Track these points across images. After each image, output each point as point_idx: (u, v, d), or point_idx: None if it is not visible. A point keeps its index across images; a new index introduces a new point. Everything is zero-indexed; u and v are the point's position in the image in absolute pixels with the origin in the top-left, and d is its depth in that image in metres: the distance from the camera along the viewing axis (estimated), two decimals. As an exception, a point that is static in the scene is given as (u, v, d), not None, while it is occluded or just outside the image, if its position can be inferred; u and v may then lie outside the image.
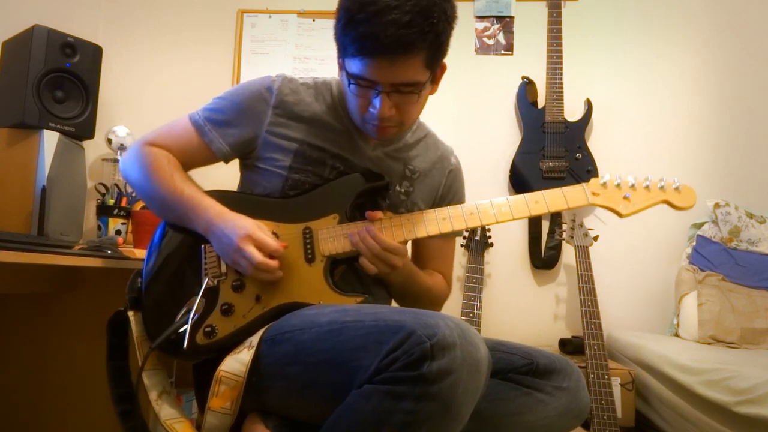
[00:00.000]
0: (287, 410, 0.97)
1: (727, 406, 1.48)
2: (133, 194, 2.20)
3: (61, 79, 1.96)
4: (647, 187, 1.16)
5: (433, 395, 0.75)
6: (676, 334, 2.21)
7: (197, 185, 1.15)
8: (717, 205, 2.30)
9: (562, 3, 2.46)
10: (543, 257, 2.40)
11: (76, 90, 2.01)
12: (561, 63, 2.40)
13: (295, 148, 1.17)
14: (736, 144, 2.43)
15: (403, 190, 1.23)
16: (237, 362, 0.95)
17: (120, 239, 2.04)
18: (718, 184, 2.39)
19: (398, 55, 0.98)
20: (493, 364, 0.89)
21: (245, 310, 1.06)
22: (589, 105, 2.41)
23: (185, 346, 1.00)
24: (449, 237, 1.31)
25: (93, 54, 2.05)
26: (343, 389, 0.83)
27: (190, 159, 1.19)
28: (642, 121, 2.47)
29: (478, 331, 1.94)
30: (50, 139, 1.88)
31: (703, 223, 2.33)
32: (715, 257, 2.24)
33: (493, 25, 2.55)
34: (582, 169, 2.34)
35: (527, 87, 2.44)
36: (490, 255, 2.34)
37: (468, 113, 2.51)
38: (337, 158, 1.18)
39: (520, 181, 2.38)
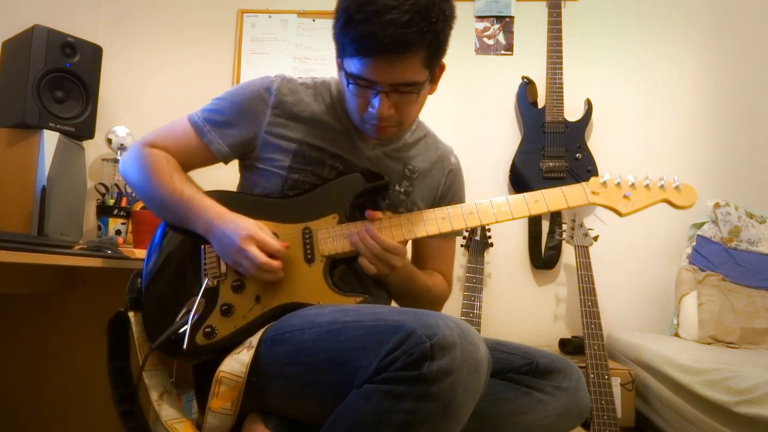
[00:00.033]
0: (287, 410, 0.97)
1: (727, 406, 1.48)
2: (133, 194, 2.20)
3: (61, 79, 1.96)
4: (647, 186, 1.15)
5: (433, 395, 0.75)
6: (676, 334, 2.21)
7: (197, 186, 1.15)
8: (717, 205, 2.30)
9: (562, 3, 2.46)
10: (543, 257, 2.40)
11: (76, 90, 2.01)
12: (561, 63, 2.40)
13: (294, 149, 1.17)
14: (736, 144, 2.43)
15: (402, 189, 1.23)
16: (237, 363, 0.95)
17: (120, 239, 2.04)
18: (718, 184, 2.39)
19: (397, 55, 0.98)
20: (493, 364, 0.89)
21: (245, 310, 1.06)
22: (589, 105, 2.41)
23: (185, 346, 1.00)
24: (449, 237, 1.31)
25: (93, 54, 2.05)
26: (342, 389, 0.83)
27: (190, 160, 1.19)
28: (642, 121, 2.47)
29: (478, 331, 1.94)
30: (50, 139, 1.88)
31: (703, 223, 2.33)
32: (715, 257, 2.24)
33: (493, 25, 2.55)
34: (582, 169, 2.33)
35: (527, 87, 2.44)
36: (490, 255, 2.34)
37: (468, 113, 2.51)
38: (336, 158, 1.18)
39: (520, 181, 2.38)
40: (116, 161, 2.32)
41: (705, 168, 2.42)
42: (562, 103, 2.38)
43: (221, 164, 1.22)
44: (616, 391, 1.89)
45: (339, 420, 0.82)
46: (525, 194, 1.14)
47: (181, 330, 1.01)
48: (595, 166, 2.34)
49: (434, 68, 1.07)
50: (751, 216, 2.29)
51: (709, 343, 2.04)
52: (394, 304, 1.26)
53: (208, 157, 1.19)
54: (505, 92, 2.49)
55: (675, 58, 2.49)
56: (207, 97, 1.22)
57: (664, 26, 2.50)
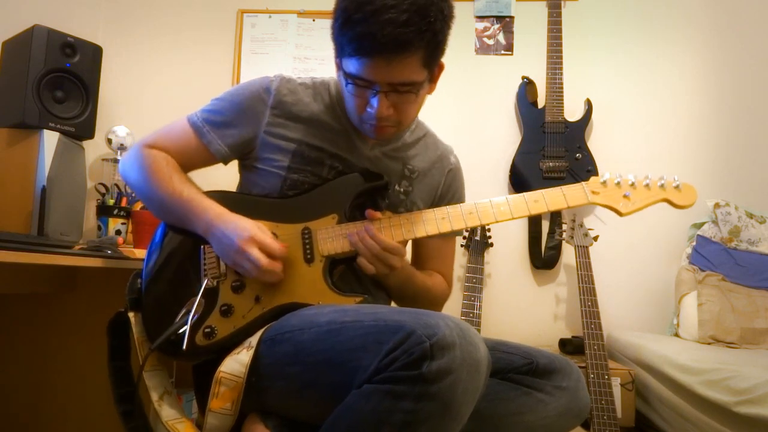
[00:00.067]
0: (287, 410, 0.97)
1: (727, 406, 1.47)
2: (133, 194, 2.20)
3: (61, 79, 1.96)
4: (647, 185, 1.15)
5: (432, 395, 0.75)
6: (676, 334, 2.21)
7: (196, 186, 1.15)
8: (717, 205, 2.30)
9: (562, 3, 2.46)
10: (543, 257, 2.40)
11: (76, 90, 2.01)
12: (561, 63, 2.40)
13: (293, 149, 1.17)
14: (736, 144, 2.43)
15: (402, 189, 1.22)
16: (236, 363, 0.95)
17: (120, 239, 2.04)
18: (718, 184, 2.39)
19: (395, 55, 0.98)
20: (493, 363, 0.89)
21: (245, 310, 1.06)
22: (589, 105, 2.41)
23: (184, 347, 1.00)
24: (449, 237, 1.31)
25: (93, 54, 2.05)
26: (342, 389, 0.83)
27: (189, 161, 1.19)
28: (642, 121, 2.47)
29: (478, 331, 1.94)
30: (50, 139, 1.88)
31: (703, 223, 2.33)
32: (715, 257, 2.24)
33: (493, 25, 2.55)
34: (582, 169, 2.33)
35: (527, 87, 2.44)
36: (490, 255, 2.34)
37: (468, 113, 2.51)
38: (336, 158, 1.18)
39: (520, 181, 2.38)
40: (116, 161, 2.32)
41: (705, 168, 2.42)
42: (562, 103, 2.38)
43: (221, 165, 1.22)
44: (616, 391, 1.89)
45: (339, 420, 0.82)
46: (525, 194, 1.14)
47: (181, 330, 1.01)
48: (595, 166, 2.34)
49: (433, 68, 1.07)
50: (751, 216, 2.29)
51: (709, 343, 2.04)
52: (393, 304, 1.26)
53: (208, 157, 1.19)
54: (505, 92, 2.49)
55: (675, 58, 2.49)
56: (207, 97, 1.22)
57: (664, 26, 2.50)
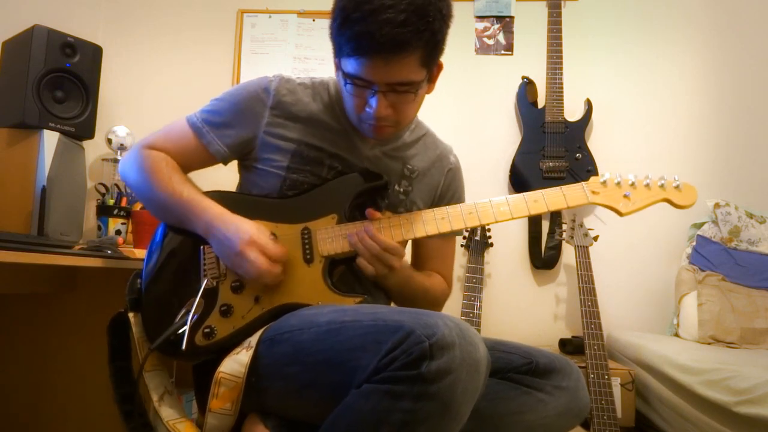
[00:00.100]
0: (286, 410, 0.97)
1: (727, 406, 1.47)
2: (133, 194, 2.20)
3: (61, 79, 1.96)
4: (647, 185, 1.15)
5: (432, 395, 0.75)
6: (676, 334, 2.21)
7: (196, 186, 1.15)
8: (717, 205, 2.30)
9: (562, 3, 2.46)
10: (543, 257, 2.40)
11: (76, 90, 2.01)
12: (561, 63, 2.40)
13: (292, 149, 1.17)
14: (736, 144, 2.43)
15: (402, 189, 1.22)
16: (236, 363, 0.95)
17: (120, 239, 2.04)
18: (718, 184, 2.39)
19: (394, 54, 0.98)
20: (493, 363, 0.89)
21: (244, 310, 1.06)
22: (589, 105, 2.41)
23: (184, 347, 1.00)
24: (448, 237, 1.31)
25: (93, 54, 2.05)
26: (342, 389, 0.83)
27: (189, 161, 1.19)
28: (642, 121, 2.47)
29: (478, 331, 1.94)
30: (50, 139, 1.88)
31: (703, 223, 2.33)
32: (715, 257, 2.24)
33: (493, 25, 2.55)
34: (582, 169, 2.33)
35: (527, 87, 2.44)
36: (490, 255, 2.34)
37: (468, 113, 2.51)
38: (335, 158, 1.18)
39: (520, 181, 2.38)
40: (116, 161, 2.32)
41: (705, 168, 2.42)
42: (562, 103, 2.38)
43: (220, 165, 1.22)
44: (616, 391, 1.89)
45: (338, 420, 0.82)
46: (524, 194, 1.14)
47: (180, 330, 1.01)
48: (595, 166, 2.34)
49: (431, 67, 1.07)
50: (751, 216, 2.29)
51: (709, 343, 2.04)
52: (393, 305, 1.26)
53: (207, 158, 1.19)
54: (505, 92, 2.49)
55: (675, 58, 2.49)
56: (207, 97, 1.22)
57: (664, 26, 2.50)
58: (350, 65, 1.02)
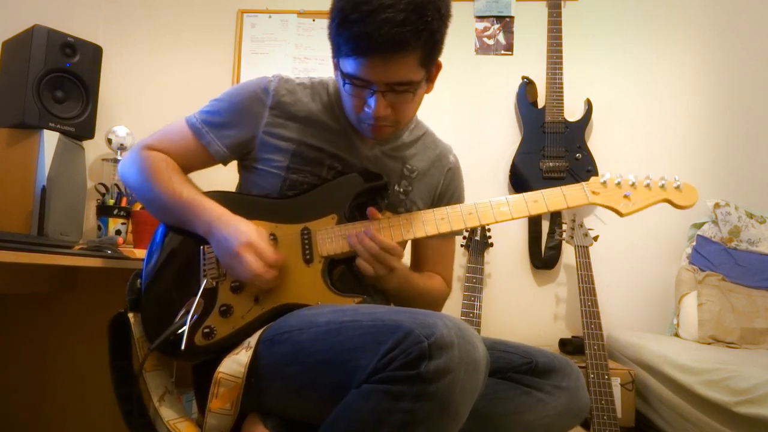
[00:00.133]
0: (286, 410, 0.97)
1: (727, 406, 1.47)
2: (133, 195, 2.20)
3: (61, 79, 1.96)
4: (648, 185, 1.15)
5: (431, 395, 0.75)
6: (676, 334, 2.21)
7: (196, 187, 1.15)
8: (717, 205, 2.30)
9: (562, 3, 2.46)
10: (543, 257, 2.40)
11: (76, 90, 2.01)
12: (561, 63, 2.40)
13: (292, 149, 1.17)
14: (736, 144, 2.43)
15: (402, 189, 1.22)
16: (235, 363, 0.95)
17: (120, 239, 2.04)
18: (718, 184, 2.39)
19: (392, 54, 0.98)
20: (493, 363, 0.89)
21: (244, 311, 1.06)
22: (589, 105, 2.41)
23: (183, 347, 1.00)
24: (448, 237, 1.31)
25: (93, 54, 2.06)
26: (341, 389, 0.83)
27: (189, 162, 1.19)
28: (642, 121, 2.47)
29: (478, 331, 1.94)
30: (50, 139, 1.89)
31: (703, 223, 2.33)
32: (715, 257, 2.24)
33: (493, 25, 2.55)
34: (582, 169, 2.33)
35: (527, 87, 2.44)
36: (490, 255, 2.34)
37: (468, 113, 2.51)
38: (335, 158, 1.18)
39: (520, 181, 2.38)
40: (116, 161, 2.32)
41: (705, 168, 2.42)
42: (562, 103, 2.38)
43: (220, 165, 1.22)
44: (616, 391, 1.89)
45: (338, 420, 0.82)
46: (524, 194, 1.13)
47: (180, 331, 1.01)
48: (595, 166, 2.34)
49: (430, 67, 1.07)
50: (751, 216, 2.29)
51: (709, 343, 2.04)
52: (392, 305, 1.26)
53: (207, 158, 1.19)
54: (505, 92, 2.49)
55: (675, 58, 2.49)
56: (207, 97, 1.22)
57: (664, 26, 2.50)
58: (349, 65, 1.02)
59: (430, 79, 1.11)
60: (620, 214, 1.15)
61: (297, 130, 1.17)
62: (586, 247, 2.10)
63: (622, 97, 2.48)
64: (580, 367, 1.48)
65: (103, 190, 2.26)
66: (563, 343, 2.20)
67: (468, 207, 1.14)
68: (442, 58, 1.10)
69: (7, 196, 1.84)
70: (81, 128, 2.01)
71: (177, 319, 1.03)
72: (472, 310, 2.05)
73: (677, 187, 1.15)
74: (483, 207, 1.13)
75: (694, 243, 2.31)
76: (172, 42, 2.62)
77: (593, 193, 1.14)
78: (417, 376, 0.75)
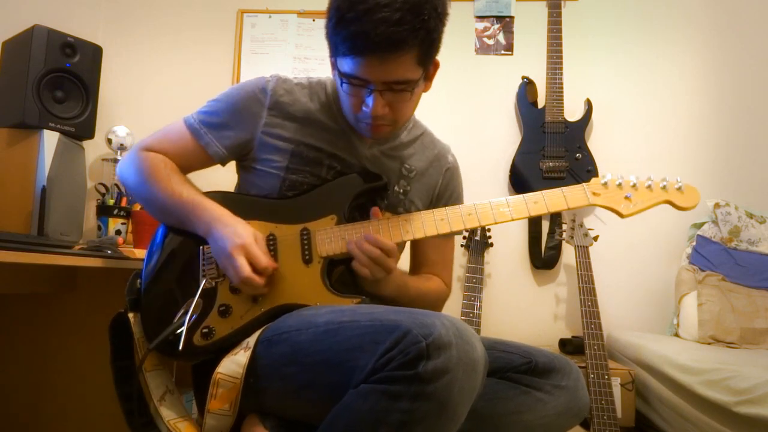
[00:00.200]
0: (284, 411, 0.97)
1: (727, 406, 1.47)
2: (132, 195, 2.20)
3: (61, 79, 1.96)
4: (649, 186, 1.14)
5: (428, 395, 0.75)
6: (676, 334, 2.21)
7: (195, 187, 1.15)
8: (717, 205, 2.30)
9: (562, 3, 2.46)
10: (543, 257, 2.40)
11: (76, 90, 2.01)
12: (561, 63, 2.40)
13: (291, 149, 1.17)
14: (736, 144, 2.43)
15: (401, 189, 1.22)
16: (234, 364, 0.95)
17: (120, 239, 2.04)
18: (718, 184, 2.39)
19: (389, 53, 0.98)
20: (492, 362, 0.89)
21: (243, 311, 1.06)
22: (589, 105, 2.41)
23: (181, 347, 1.00)
24: (447, 237, 1.30)
25: (93, 54, 2.06)
26: (340, 389, 0.83)
27: (187, 162, 1.19)
28: (642, 121, 2.47)
29: (478, 331, 1.94)
30: (50, 139, 1.89)
31: (703, 223, 2.33)
32: (715, 257, 2.24)
33: (493, 25, 2.55)
34: (582, 169, 2.33)
35: (527, 87, 2.44)
36: (490, 255, 2.34)
37: (468, 113, 2.51)
38: (334, 158, 1.18)
39: (520, 181, 2.38)
40: (116, 161, 2.32)
41: (705, 168, 2.42)
42: (562, 103, 2.38)
43: (219, 166, 1.22)
44: (616, 391, 1.89)
45: (336, 420, 0.82)
46: (524, 195, 1.13)
47: (179, 331, 1.01)
48: (595, 166, 2.33)
49: (428, 66, 1.07)
50: (751, 216, 2.29)
51: (709, 343, 2.04)
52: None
53: (206, 159, 1.19)
54: (505, 92, 2.49)
55: (675, 58, 2.49)
56: (207, 97, 1.22)
57: (664, 26, 2.50)
58: (346, 65, 1.02)
59: (428, 77, 1.11)
60: (621, 216, 1.14)
61: (295, 130, 1.17)
62: (586, 247, 2.10)
63: (622, 97, 2.48)
64: (580, 367, 1.48)
65: (103, 190, 2.26)
66: (563, 343, 2.20)
67: (467, 208, 1.14)
68: (442, 58, 1.10)
69: (7, 196, 1.84)
70: (81, 128, 2.01)
71: (176, 319, 1.03)
72: (472, 310, 2.05)
73: (679, 189, 1.14)
74: (483, 208, 1.13)
75: (694, 243, 2.31)
76: (172, 42, 2.62)
77: (594, 194, 1.14)
78: (415, 376, 0.75)
